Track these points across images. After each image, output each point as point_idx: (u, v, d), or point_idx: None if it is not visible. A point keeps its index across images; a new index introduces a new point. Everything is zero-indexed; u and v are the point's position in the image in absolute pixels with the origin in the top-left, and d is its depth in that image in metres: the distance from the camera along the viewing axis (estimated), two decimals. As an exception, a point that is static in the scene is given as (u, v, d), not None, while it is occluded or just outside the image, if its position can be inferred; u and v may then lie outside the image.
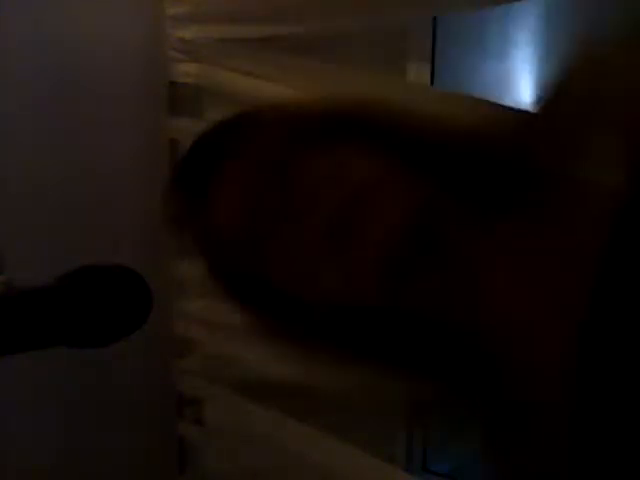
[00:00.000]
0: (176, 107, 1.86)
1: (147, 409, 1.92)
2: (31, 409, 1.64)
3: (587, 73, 0.59)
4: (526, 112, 0.70)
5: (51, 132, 1.63)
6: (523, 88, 3.08)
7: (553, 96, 0.61)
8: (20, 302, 0.62)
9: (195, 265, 1.97)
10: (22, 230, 1.56)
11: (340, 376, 0.65)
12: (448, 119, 0.64)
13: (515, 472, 0.57)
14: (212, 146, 0.72)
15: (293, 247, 0.61)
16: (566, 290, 0.53)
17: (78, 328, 0.64)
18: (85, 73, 1.68)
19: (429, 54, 1.70)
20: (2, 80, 1.52)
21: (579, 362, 0.50)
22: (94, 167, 1.72)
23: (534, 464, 0.54)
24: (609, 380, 0.49)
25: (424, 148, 0.61)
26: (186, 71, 1.82)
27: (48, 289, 0.64)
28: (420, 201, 0.59)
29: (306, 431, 1.78)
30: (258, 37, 1.69)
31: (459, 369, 0.60)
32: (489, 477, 0.59)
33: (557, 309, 0.53)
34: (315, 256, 0.60)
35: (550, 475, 0.53)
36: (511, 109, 0.80)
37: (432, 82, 1.71)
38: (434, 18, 1.70)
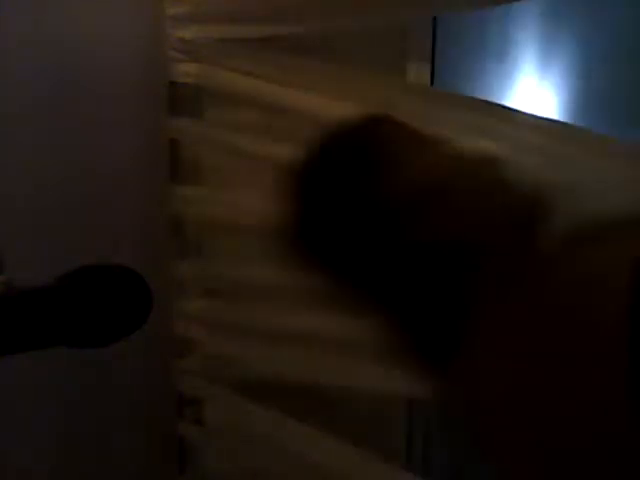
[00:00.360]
0: (176, 107, 1.86)
1: (147, 409, 1.92)
2: (31, 409, 1.64)
3: None
4: None
5: (51, 132, 1.63)
6: (523, 88, 3.08)
7: None
8: (20, 302, 0.62)
9: (195, 265, 1.98)
10: (22, 230, 1.56)
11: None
12: None
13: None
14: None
15: None
16: None
17: (78, 328, 0.64)
18: (85, 73, 1.68)
19: (429, 54, 1.70)
20: (2, 80, 1.52)
21: None
22: (94, 167, 1.72)
23: None
24: None
25: None
26: (186, 71, 1.82)
27: (48, 289, 0.64)
28: None
29: (306, 431, 1.78)
30: (258, 37, 1.69)
31: None
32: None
33: None
34: None
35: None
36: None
37: (432, 82, 1.71)
38: (434, 18, 1.70)
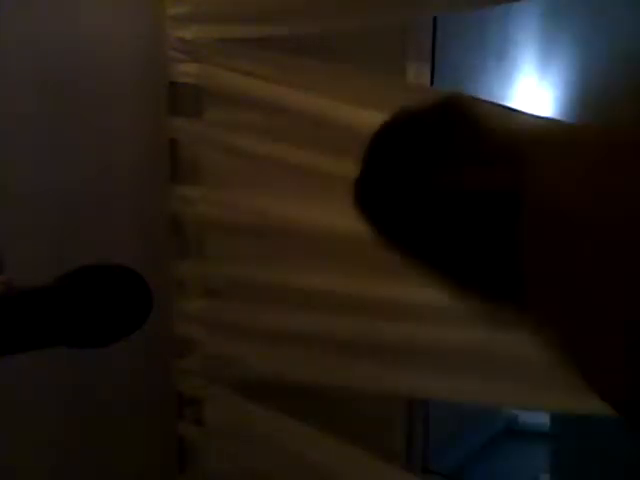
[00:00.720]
0: (176, 107, 1.86)
1: (147, 409, 1.92)
2: (31, 409, 1.64)
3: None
4: None
5: (51, 132, 1.63)
6: (523, 87, 3.09)
7: None
8: (20, 302, 0.62)
9: (195, 265, 1.98)
10: (22, 230, 1.56)
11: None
12: None
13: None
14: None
15: None
16: None
17: (78, 328, 0.64)
18: (85, 73, 1.68)
19: (429, 54, 1.70)
20: (2, 80, 1.52)
21: None
22: (94, 167, 1.72)
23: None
24: None
25: None
26: (186, 71, 1.82)
27: (48, 289, 0.64)
28: None
29: (306, 431, 1.78)
30: (258, 37, 1.70)
31: None
32: None
33: None
34: None
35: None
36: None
37: (432, 82, 1.71)
38: (434, 18, 1.70)
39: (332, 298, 1.67)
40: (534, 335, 0.63)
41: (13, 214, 1.55)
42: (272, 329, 1.78)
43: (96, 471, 1.78)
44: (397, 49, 1.65)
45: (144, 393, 1.91)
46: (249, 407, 1.87)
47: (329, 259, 1.68)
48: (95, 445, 1.78)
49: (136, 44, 1.78)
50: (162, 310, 1.86)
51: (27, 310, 0.62)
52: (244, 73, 1.72)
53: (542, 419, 2.76)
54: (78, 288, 0.64)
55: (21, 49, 1.55)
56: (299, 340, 1.74)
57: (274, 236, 1.76)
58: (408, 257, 0.76)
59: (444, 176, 0.68)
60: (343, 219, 1.63)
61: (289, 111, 1.66)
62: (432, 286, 0.74)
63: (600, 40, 2.65)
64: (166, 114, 1.85)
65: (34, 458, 1.65)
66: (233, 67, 1.74)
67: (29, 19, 1.56)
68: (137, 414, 1.89)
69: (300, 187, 1.69)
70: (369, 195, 0.78)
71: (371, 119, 1.51)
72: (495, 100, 1.35)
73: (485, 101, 0.73)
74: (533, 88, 3.12)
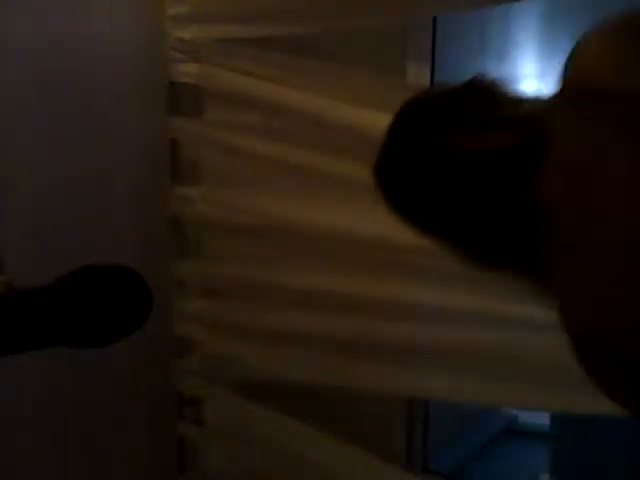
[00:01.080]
0: (176, 107, 1.86)
1: (147, 409, 1.92)
2: (31, 409, 1.64)
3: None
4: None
5: (51, 132, 1.63)
6: (523, 88, 3.08)
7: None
8: (20, 302, 0.62)
9: (195, 265, 1.98)
10: (22, 230, 1.56)
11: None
12: None
13: None
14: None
15: None
16: None
17: (78, 328, 0.64)
18: (85, 73, 1.68)
19: (429, 54, 1.70)
20: (2, 80, 1.52)
21: None
22: (94, 167, 1.72)
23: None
24: None
25: None
26: (186, 71, 1.82)
27: (48, 289, 0.64)
28: None
29: (306, 431, 1.78)
30: (258, 37, 1.70)
31: None
32: None
33: None
34: None
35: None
36: None
37: (432, 82, 1.71)
38: (434, 18, 1.70)
39: (332, 298, 1.67)
40: (548, 301, 0.66)
41: (13, 214, 1.55)
42: (272, 329, 1.78)
43: (96, 471, 1.78)
44: (397, 49, 1.65)
45: (144, 393, 1.91)
46: (249, 407, 1.87)
47: (329, 259, 1.68)
48: (95, 445, 1.78)
49: (136, 44, 1.78)
50: (162, 310, 1.86)
51: (27, 310, 0.62)
52: (244, 73, 1.72)
53: (542, 419, 2.75)
54: (78, 288, 0.64)
55: (21, 49, 1.55)
56: (299, 340, 1.74)
57: (274, 236, 1.76)
58: (426, 230, 0.78)
59: (464, 140, 0.71)
60: (343, 219, 1.63)
61: (289, 111, 1.66)
62: (451, 257, 0.77)
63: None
64: (166, 114, 1.85)
65: (34, 458, 1.65)
66: (233, 67, 1.74)
67: (29, 19, 1.55)
68: (137, 414, 1.89)
69: (300, 187, 1.69)
70: (390, 167, 0.79)
71: (371, 119, 1.52)
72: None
73: (507, 79, 0.77)
74: (533, 89, 3.11)
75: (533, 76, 3.11)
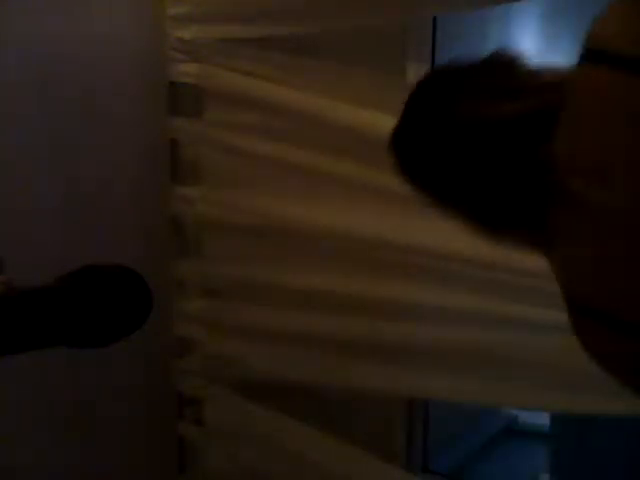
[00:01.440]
0: (176, 107, 1.86)
1: (147, 409, 1.92)
2: (31, 409, 1.64)
3: None
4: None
5: (51, 132, 1.63)
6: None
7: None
8: (20, 302, 0.62)
9: (195, 265, 1.98)
10: (22, 230, 1.56)
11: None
12: None
13: None
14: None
15: None
16: None
17: (78, 328, 0.64)
18: (85, 73, 1.68)
19: (429, 54, 1.70)
20: (2, 80, 1.52)
21: None
22: (94, 167, 1.72)
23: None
24: None
25: None
26: (186, 71, 1.82)
27: (48, 289, 0.64)
28: None
29: (306, 431, 1.78)
30: (258, 37, 1.69)
31: None
32: None
33: None
34: None
35: None
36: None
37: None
38: (434, 18, 1.70)
39: (332, 298, 1.67)
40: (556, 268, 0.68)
41: (13, 214, 1.55)
42: (272, 329, 1.78)
43: (96, 470, 1.78)
44: (397, 49, 1.65)
45: (144, 393, 1.91)
46: (249, 407, 1.87)
47: (329, 259, 1.68)
48: (95, 445, 1.78)
49: (136, 44, 1.78)
50: (162, 310, 1.86)
51: (27, 310, 0.62)
52: (244, 73, 1.72)
53: (542, 419, 2.75)
54: (78, 288, 0.64)
55: (21, 49, 1.55)
56: (299, 340, 1.74)
57: (274, 236, 1.76)
58: (438, 196, 0.80)
59: (480, 108, 0.75)
60: (343, 219, 1.63)
61: (289, 111, 1.66)
62: (462, 231, 0.79)
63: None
64: (166, 114, 1.85)
65: (34, 458, 1.65)
66: (233, 67, 1.74)
67: (29, 19, 1.55)
68: (137, 414, 1.89)
69: (300, 187, 1.69)
70: (407, 134, 0.82)
71: (371, 119, 1.52)
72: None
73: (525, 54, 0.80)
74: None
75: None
